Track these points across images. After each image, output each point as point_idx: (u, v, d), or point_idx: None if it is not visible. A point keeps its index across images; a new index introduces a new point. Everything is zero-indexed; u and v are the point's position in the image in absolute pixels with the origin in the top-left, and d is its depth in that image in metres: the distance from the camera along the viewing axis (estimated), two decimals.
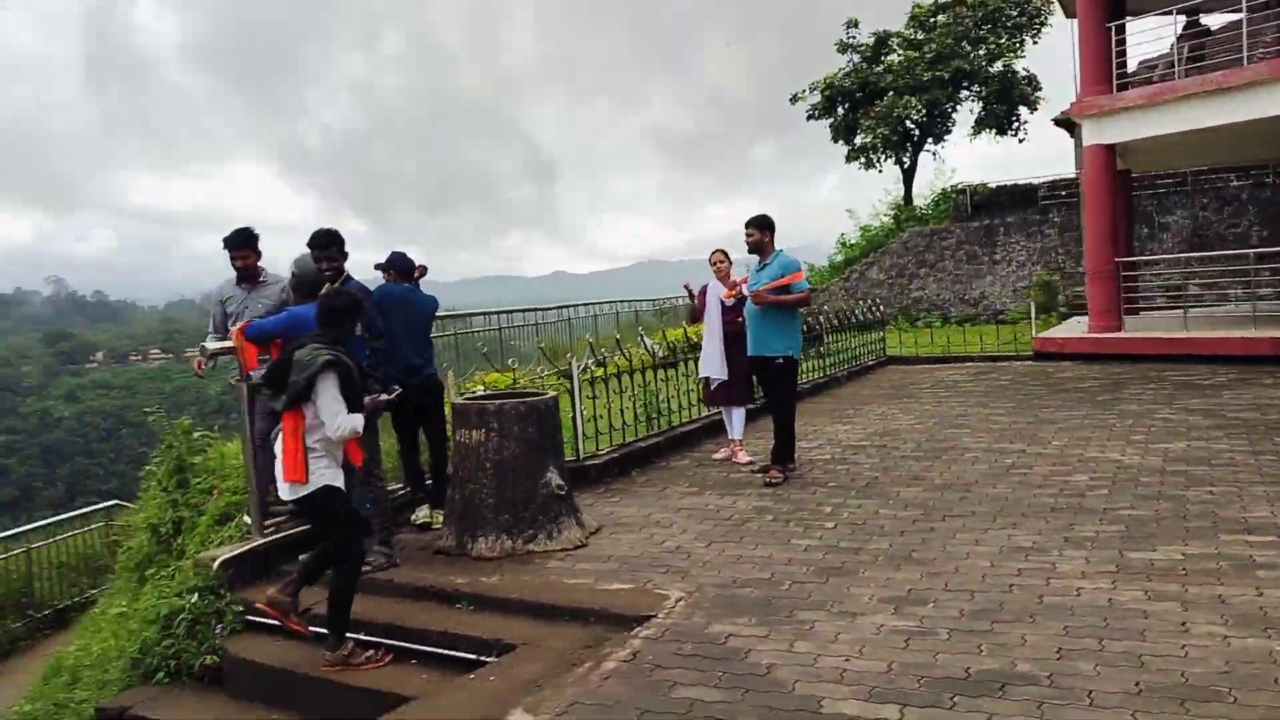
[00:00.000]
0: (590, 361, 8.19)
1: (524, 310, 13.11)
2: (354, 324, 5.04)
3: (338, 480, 4.79)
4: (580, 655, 4.36)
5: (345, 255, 5.92)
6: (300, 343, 4.78)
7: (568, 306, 14.28)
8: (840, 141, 28.73)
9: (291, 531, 6.19)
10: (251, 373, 5.88)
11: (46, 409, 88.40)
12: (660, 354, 9.53)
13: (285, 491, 4.74)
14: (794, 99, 29.37)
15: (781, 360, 7.32)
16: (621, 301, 16.75)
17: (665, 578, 5.23)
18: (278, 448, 4.70)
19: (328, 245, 5.79)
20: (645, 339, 11.37)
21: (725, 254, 8.20)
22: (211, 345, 5.99)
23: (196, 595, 5.61)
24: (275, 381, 4.70)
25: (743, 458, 8.12)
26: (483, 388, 8.35)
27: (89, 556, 11.97)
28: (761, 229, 7.38)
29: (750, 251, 7.50)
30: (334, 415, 4.65)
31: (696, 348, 9.02)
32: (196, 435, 7.34)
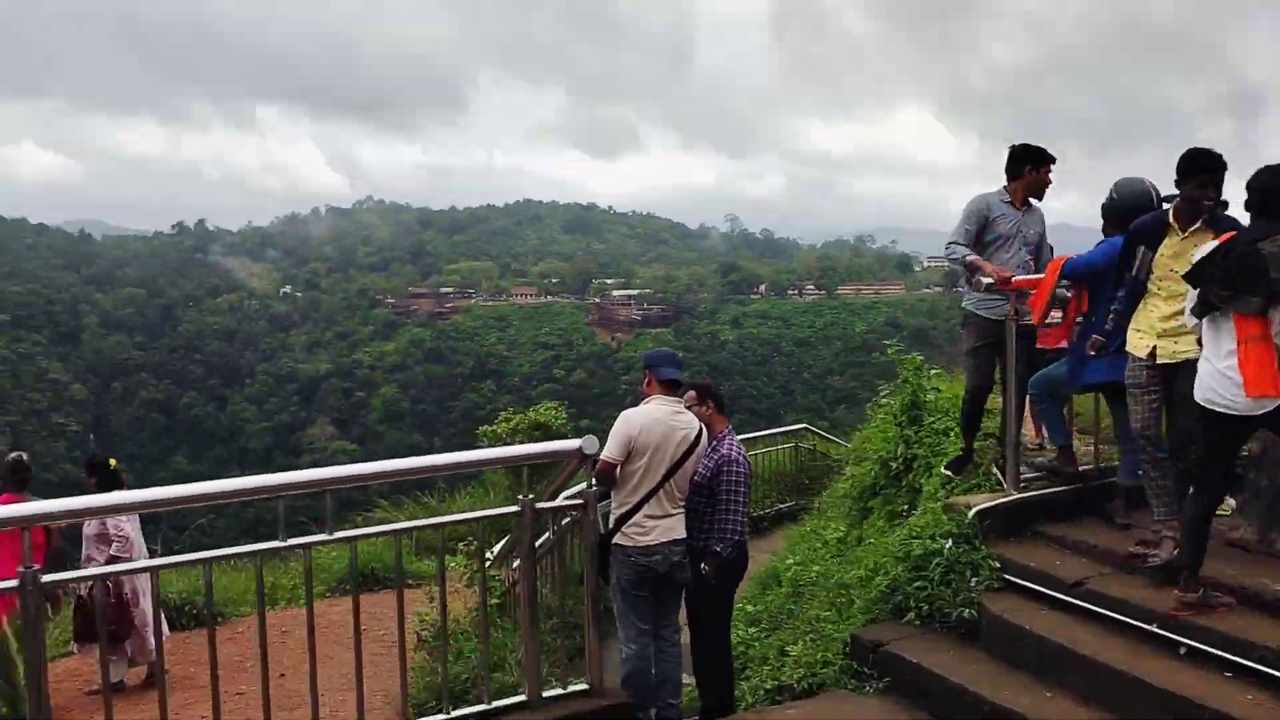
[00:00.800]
0: None
1: None
2: None
3: None
4: None
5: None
6: (1252, 235, 4.14)
7: None
8: None
9: (1046, 490, 5.70)
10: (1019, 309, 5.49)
11: (715, 332, 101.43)
12: None
13: (1249, 406, 4.12)
14: None
15: None
16: None
17: None
18: (1231, 357, 4.11)
19: (1217, 169, 4.62)
20: None
21: None
22: (1004, 278, 5.55)
23: (951, 541, 5.37)
24: (1233, 281, 4.09)
25: None
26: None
27: (779, 473, 12.96)
28: None
29: None
30: None
31: None
32: (934, 372, 7.14)
